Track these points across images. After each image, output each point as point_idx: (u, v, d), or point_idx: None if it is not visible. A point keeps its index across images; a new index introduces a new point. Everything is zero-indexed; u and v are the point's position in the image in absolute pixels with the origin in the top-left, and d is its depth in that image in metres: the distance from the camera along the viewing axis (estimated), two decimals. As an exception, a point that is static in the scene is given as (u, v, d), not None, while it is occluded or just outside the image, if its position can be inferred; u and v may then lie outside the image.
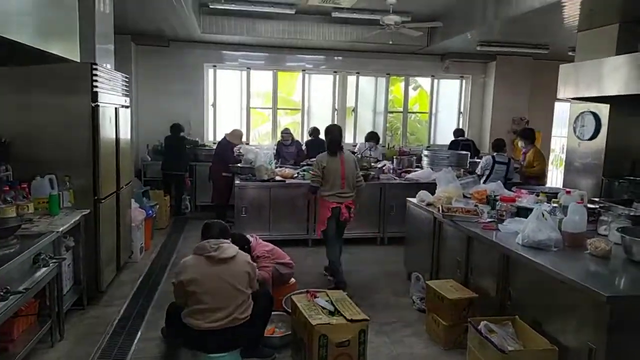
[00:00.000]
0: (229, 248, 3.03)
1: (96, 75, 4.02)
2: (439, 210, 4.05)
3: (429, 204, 4.42)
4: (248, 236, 4.02)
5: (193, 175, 7.94)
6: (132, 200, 5.35)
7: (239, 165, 6.45)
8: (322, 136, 8.16)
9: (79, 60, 3.78)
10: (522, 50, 8.20)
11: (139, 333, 3.60)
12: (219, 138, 7.82)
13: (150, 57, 8.23)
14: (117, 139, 4.69)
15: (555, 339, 2.64)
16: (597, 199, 4.69)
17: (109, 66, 4.75)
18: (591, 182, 5.64)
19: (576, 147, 6.00)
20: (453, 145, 8.17)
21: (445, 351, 3.39)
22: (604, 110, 5.55)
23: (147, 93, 8.25)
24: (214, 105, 8.86)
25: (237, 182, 5.98)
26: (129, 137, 5.18)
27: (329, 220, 4.60)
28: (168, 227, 6.92)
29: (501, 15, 5.90)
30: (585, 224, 3.17)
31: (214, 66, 8.74)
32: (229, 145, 6.87)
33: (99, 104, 4.06)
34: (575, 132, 5.96)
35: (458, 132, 8.56)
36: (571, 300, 2.54)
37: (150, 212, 5.77)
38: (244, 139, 7.99)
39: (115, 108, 4.65)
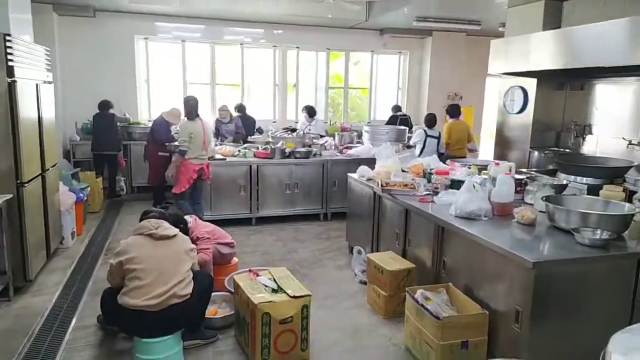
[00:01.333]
0: (170, 228, 3.06)
1: (11, 47, 3.68)
2: (378, 184, 4.14)
3: (369, 179, 4.50)
4: (187, 217, 3.91)
5: (127, 155, 7.58)
6: (61, 183, 5.05)
7: (176, 144, 6.20)
8: (249, 112, 8.17)
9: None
10: (456, 26, 8.42)
11: (73, 322, 3.44)
12: (154, 116, 7.50)
13: (74, 29, 7.65)
14: (40, 118, 4.35)
15: (485, 303, 2.80)
16: (524, 170, 4.99)
17: (27, 37, 4.37)
18: (519, 154, 5.97)
19: (505, 120, 6.31)
20: (392, 120, 8.35)
21: (386, 320, 3.51)
22: (531, 84, 5.83)
23: (73, 68, 7.69)
24: (147, 81, 8.44)
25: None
26: (53, 115, 4.84)
27: (195, 181, 5.25)
28: (102, 211, 6.60)
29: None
30: (513, 194, 3.35)
31: (146, 38, 8.29)
32: (165, 123, 6.60)
33: (16, 79, 3.74)
34: (504, 106, 6.25)
35: (396, 108, 8.75)
36: (500, 267, 2.69)
37: (81, 195, 5.46)
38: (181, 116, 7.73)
39: (36, 84, 4.31)
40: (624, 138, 4.90)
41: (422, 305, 2.87)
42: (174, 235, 3.03)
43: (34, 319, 3.45)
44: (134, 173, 7.62)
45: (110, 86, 7.77)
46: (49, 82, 4.75)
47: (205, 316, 3.25)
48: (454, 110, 7.05)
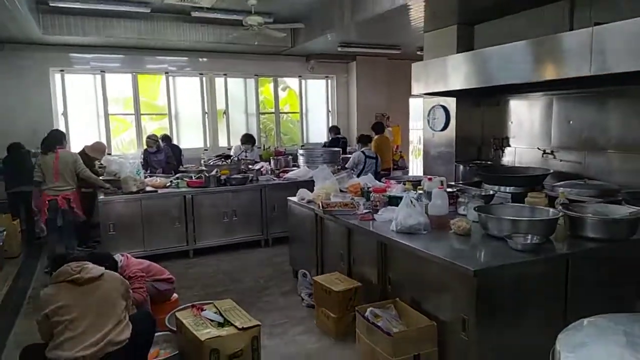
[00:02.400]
0: (95, 267, 2.79)
1: None
2: (319, 206, 4.15)
3: (309, 201, 4.51)
4: (117, 255, 3.67)
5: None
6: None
7: (101, 178, 5.87)
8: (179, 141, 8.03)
9: None
10: (377, 50, 8.82)
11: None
12: (75, 150, 7.04)
13: (-21, 63, 7.08)
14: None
15: (433, 314, 2.87)
16: (452, 183, 5.25)
17: None
18: (446, 168, 6.29)
19: (431, 138, 6.64)
20: (334, 142, 8.49)
21: (337, 342, 3.49)
22: (451, 103, 6.22)
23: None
24: (64, 114, 7.94)
25: (101, 197, 5.44)
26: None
27: (48, 211, 5.25)
28: (21, 255, 6.03)
29: (356, 17, 6.26)
30: (447, 206, 3.50)
31: (62, 71, 7.85)
32: (88, 159, 6.22)
33: None
34: (429, 124, 6.59)
35: (335, 130, 8.93)
36: (443, 277, 2.77)
37: (-4, 240, 4.97)
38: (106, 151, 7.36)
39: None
40: (538, 148, 5.33)
41: (373, 323, 2.88)
42: (101, 275, 2.77)
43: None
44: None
45: (25, 122, 7.24)
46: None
47: (147, 360, 3.04)
48: (378, 127, 7.87)
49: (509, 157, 5.84)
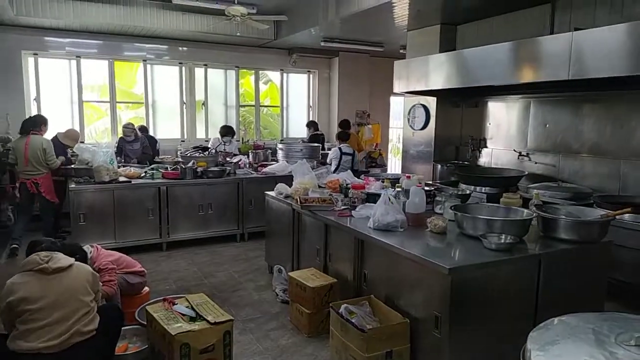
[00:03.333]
0: (64, 258, 2.71)
1: None
2: (297, 201, 4.12)
3: (287, 196, 4.47)
4: (87, 246, 3.56)
5: (15, 181, 6.79)
6: None
7: (72, 166, 5.71)
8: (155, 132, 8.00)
9: None
10: (360, 47, 8.81)
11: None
12: (48, 136, 6.83)
13: (-53, 42, 6.78)
14: None
15: (406, 312, 2.87)
16: (430, 182, 5.29)
17: None
18: (424, 167, 6.33)
19: (411, 137, 6.67)
20: (313, 138, 8.44)
21: (310, 338, 3.47)
22: (432, 102, 6.25)
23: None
24: (37, 99, 7.69)
25: (71, 186, 5.28)
26: None
27: (20, 194, 5.58)
28: (-15, 244, 5.83)
29: (341, 12, 6.23)
30: (425, 204, 3.51)
31: (35, 54, 7.58)
32: (60, 145, 6.05)
33: None
34: (409, 122, 6.62)
35: (314, 125, 8.88)
36: (418, 275, 2.78)
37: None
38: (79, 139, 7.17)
39: None
40: (514, 150, 5.41)
41: (347, 320, 2.87)
42: (69, 266, 2.69)
43: None
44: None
45: (-6, 106, 6.97)
46: None
47: (115, 353, 2.96)
48: (344, 124, 8.04)
49: (485, 158, 5.92)
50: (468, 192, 4.13)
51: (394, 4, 5.47)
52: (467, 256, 2.75)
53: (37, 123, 5.71)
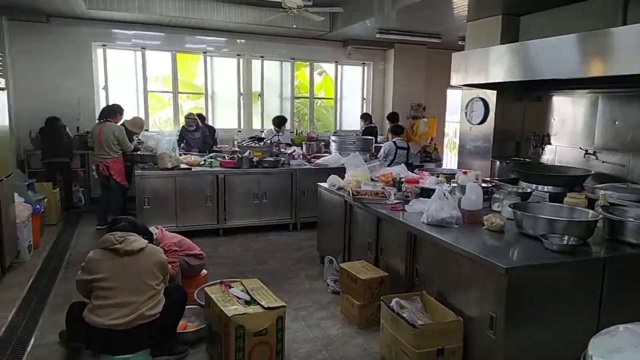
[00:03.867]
0: (136, 240, 2.88)
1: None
2: (349, 193, 4.15)
3: (339, 188, 4.51)
4: (152, 228, 3.77)
5: (86, 165, 7.28)
6: (16, 195, 4.78)
7: (138, 153, 6.04)
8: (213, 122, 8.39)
9: None
10: (417, 38, 8.64)
11: (32, 340, 3.25)
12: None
13: (27, 35, 7.29)
14: (-7, 126, 4.13)
15: (459, 310, 2.84)
16: (488, 179, 5.13)
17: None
18: (482, 164, 6.14)
19: (468, 131, 6.48)
20: (368, 131, 8.42)
21: (360, 330, 3.50)
22: (491, 96, 6.03)
23: (27, 76, 7.30)
24: (105, 88, 8.15)
25: (137, 172, 5.59)
26: (7, 123, 4.59)
27: (97, 175, 6.15)
28: (60, 223, 6.29)
29: (398, 4, 6.13)
30: (481, 201, 3.43)
31: (104, 46, 8.03)
32: (128, 132, 6.41)
33: (-34, 85, 3.54)
34: (466, 116, 6.43)
35: (369, 118, 8.83)
36: (473, 273, 2.73)
37: (38, 206, 5.19)
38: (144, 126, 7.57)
39: (-12, 91, 4.09)
40: (580, 148, 5.14)
41: (398, 314, 2.87)
42: (140, 250, 2.86)
43: (-11, 340, 3.23)
44: (92, 184, 7.31)
45: (67, 94, 7.46)
46: (2, 89, 4.50)
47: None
48: (394, 117, 8.34)
49: (548, 156, 5.65)
50: (529, 190, 3.98)
51: (453, -6, 5.32)
52: (526, 256, 2.68)
53: (114, 112, 6.18)
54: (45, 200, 5.79)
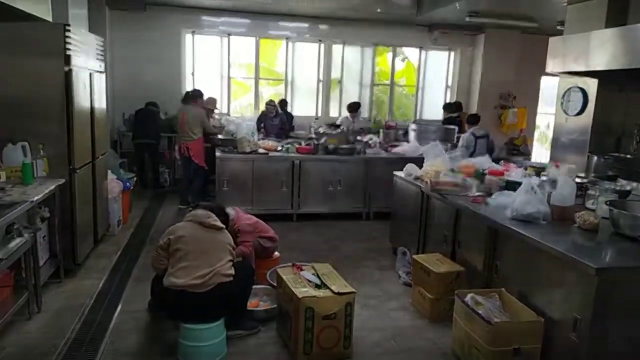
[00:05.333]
0: (219, 220, 3.17)
1: (69, 37, 3.79)
2: (427, 183, 4.00)
3: (416, 178, 4.36)
4: (229, 209, 3.89)
5: (172, 148, 7.72)
6: (109, 172, 5.17)
7: (220, 137, 6.28)
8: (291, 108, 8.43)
9: (50, 20, 3.55)
10: (510, 22, 8.07)
11: (120, 306, 3.51)
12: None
13: (125, 23, 7.84)
14: (92, 106, 4.48)
15: (541, 310, 2.65)
16: (583, 175, 4.70)
17: (82, 30, 4.49)
18: (577, 159, 5.63)
19: (563, 123, 5.97)
20: (448, 121, 8.06)
21: (431, 323, 3.39)
22: (591, 85, 5.49)
23: (123, 60, 7.87)
24: (193, 73, 8.55)
25: (218, 154, 5.82)
26: (104, 104, 4.97)
27: (179, 156, 6.48)
28: (146, 201, 6.73)
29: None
30: (574, 197, 3.15)
31: (193, 32, 8.41)
32: (206, 112, 6.70)
33: (72, 67, 3.85)
34: (562, 107, 5.92)
35: (451, 107, 8.41)
36: (559, 273, 2.53)
37: (128, 184, 5.58)
38: (223, 109, 7.89)
39: (90, 73, 4.43)
40: (694, 144, 4.54)
41: (473, 310, 2.73)
42: (221, 228, 3.14)
43: (84, 301, 3.55)
44: (177, 165, 7.71)
45: (158, 78, 7.89)
46: (101, 72, 4.87)
47: (248, 308, 3.23)
48: (457, 107, 8.19)
49: (654, 152, 5.06)
50: (629, 188, 3.58)
51: (554, -27, 4.88)
52: (620, 258, 2.47)
53: (194, 97, 6.44)
54: (135, 178, 6.20)
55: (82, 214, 4.10)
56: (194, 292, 2.81)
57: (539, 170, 3.79)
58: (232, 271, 2.99)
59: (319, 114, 9.09)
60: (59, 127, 3.83)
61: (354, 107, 7.69)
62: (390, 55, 9.43)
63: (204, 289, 2.83)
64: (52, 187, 3.57)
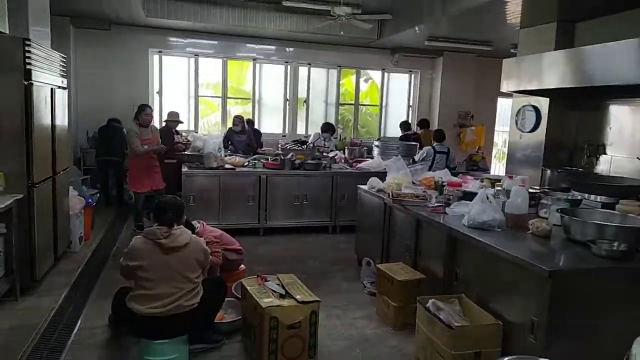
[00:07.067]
0: (181, 235, 2.90)
1: (29, 52, 3.75)
2: (389, 195, 4.10)
3: (379, 190, 4.47)
4: (194, 222, 3.89)
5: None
6: (71, 188, 5.05)
7: (186, 152, 6.25)
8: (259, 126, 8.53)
9: (7, 32, 3.52)
10: (467, 46, 8.48)
11: (79, 322, 3.41)
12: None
13: (90, 41, 7.78)
14: (53, 121, 4.40)
15: (500, 314, 2.74)
16: (537, 187, 4.92)
17: (44, 46, 4.45)
18: (532, 173, 5.89)
19: (518, 140, 6.25)
20: (404, 139, 8.31)
21: (395, 331, 3.44)
22: (544, 103, 5.80)
23: (88, 79, 7.79)
24: (159, 92, 8.53)
25: (184, 169, 5.79)
26: (66, 119, 4.89)
27: None
28: (110, 217, 6.58)
29: (448, 10, 6.04)
30: (527, 206, 3.30)
31: (160, 52, 8.42)
32: (168, 129, 6.66)
33: (32, 82, 3.80)
34: (517, 124, 6.20)
35: (406, 125, 8.69)
36: (514, 277, 2.63)
37: (90, 200, 5.47)
38: (191, 127, 7.86)
39: (51, 88, 4.37)
40: (638, 158, 4.84)
41: (434, 315, 2.80)
42: (185, 245, 2.88)
43: (40, 318, 3.42)
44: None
45: (123, 97, 7.82)
46: (64, 88, 4.81)
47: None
48: (423, 123, 8.62)
49: (603, 166, 5.35)
50: (579, 197, 3.79)
51: (506, 1, 5.19)
52: (572, 261, 2.57)
53: (136, 113, 5.86)
54: (98, 195, 6.08)
55: (41, 230, 3.99)
56: (156, 317, 2.73)
57: (495, 181, 3.96)
58: (197, 298, 2.85)
59: (287, 132, 9.19)
60: (18, 142, 3.74)
61: (326, 128, 7.77)
62: (354, 77, 9.68)
63: (166, 314, 2.74)
64: (9, 201, 3.48)
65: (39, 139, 3.96)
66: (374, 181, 4.61)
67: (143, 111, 5.77)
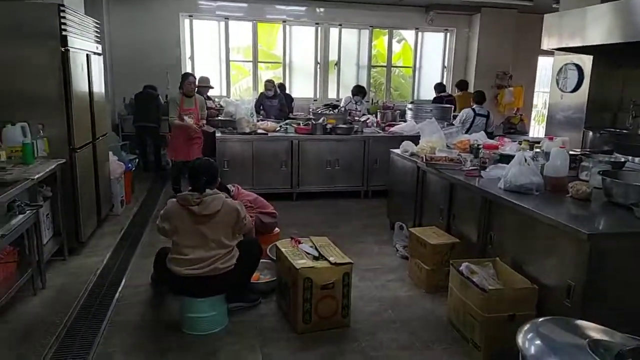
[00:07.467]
0: (213, 201, 2.88)
1: (64, 17, 3.80)
2: (422, 159, 4.05)
3: (412, 154, 4.41)
4: (229, 186, 3.96)
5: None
6: (110, 153, 5.21)
7: (219, 118, 6.31)
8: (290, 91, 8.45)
9: (43, -1, 3.55)
10: (507, 1, 8.05)
11: (123, 281, 3.59)
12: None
13: (123, 6, 7.83)
14: (90, 87, 4.50)
15: (535, 278, 2.71)
16: (578, 150, 4.74)
17: (78, 12, 4.50)
18: (573, 135, 5.67)
19: (559, 100, 6.01)
20: (437, 101, 8.11)
21: (428, 294, 3.46)
22: (587, 62, 5.52)
23: (122, 45, 7.87)
24: (191, 57, 8.55)
25: (218, 135, 5.86)
26: (102, 85, 5.00)
27: None
28: (148, 182, 6.79)
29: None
30: (567, 168, 3.20)
31: (190, 16, 8.38)
32: (200, 94, 6.68)
33: (69, 48, 3.87)
34: (558, 84, 5.95)
35: (440, 87, 8.44)
36: (552, 241, 2.58)
37: (130, 165, 5.64)
38: (223, 92, 7.86)
39: (87, 54, 4.44)
40: (689, 117, 4.58)
41: (468, 278, 2.80)
42: (216, 212, 2.86)
43: (87, 277, 3.62)
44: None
45: (157, 63, 7.90)
46: (99, 54, 4.88)
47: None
48: (462, 85, 8.34)
49: (650, 127, 5.10)
50: (623, 160, 3.64)
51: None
52: (612, 224, 2.50)
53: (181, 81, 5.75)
54: (137, 159, 6.25)
55: (84, 194, 4.16)
56: (195, 277, 2.82)
57: (533, 143, 3.83)
58: (232, 261, 2.91)
59: (318, 96, 9.11)
60: (58, 108, 3.86)
61: (357, 91, 7.60)
62: (386, 38, 9.40)
63: (203, 274, 2.82)
64: (53, 166, 3.62)
65: (78, 105, 4.07)
66: (407, 144, 4.55)
67: (186, 79, 5.63)
